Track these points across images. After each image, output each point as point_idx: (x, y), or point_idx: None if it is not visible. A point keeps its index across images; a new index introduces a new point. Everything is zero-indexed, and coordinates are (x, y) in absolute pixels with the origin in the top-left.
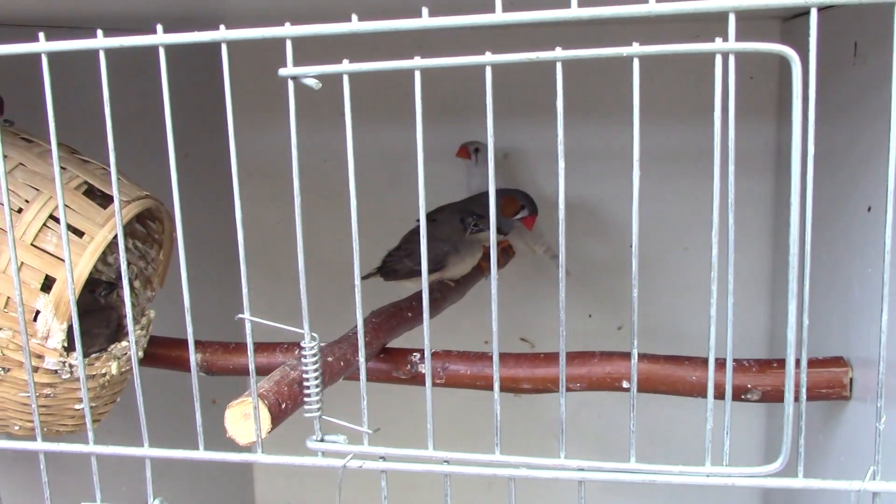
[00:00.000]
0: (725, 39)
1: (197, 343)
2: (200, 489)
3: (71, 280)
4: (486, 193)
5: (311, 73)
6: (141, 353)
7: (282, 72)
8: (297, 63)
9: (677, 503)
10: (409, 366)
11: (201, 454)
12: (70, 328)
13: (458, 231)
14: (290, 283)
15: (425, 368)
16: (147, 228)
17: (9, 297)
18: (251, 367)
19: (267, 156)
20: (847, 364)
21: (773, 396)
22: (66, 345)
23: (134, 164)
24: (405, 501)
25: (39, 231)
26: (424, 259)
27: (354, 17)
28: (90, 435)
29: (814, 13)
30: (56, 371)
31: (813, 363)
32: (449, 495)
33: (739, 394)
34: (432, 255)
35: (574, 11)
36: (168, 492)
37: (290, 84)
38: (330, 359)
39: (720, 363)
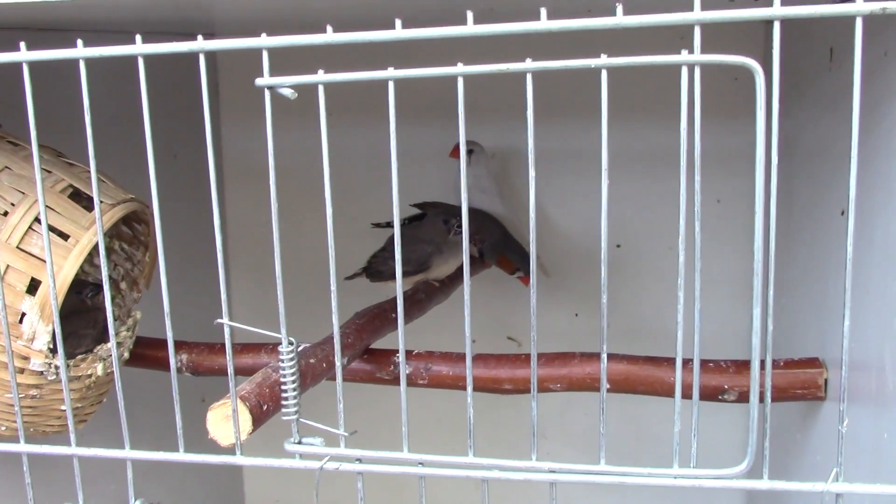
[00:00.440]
0: (691, 52)
1: (183, 344)
2: (190, 488)
3: (53, 285)
4: (480, 211)
5: (286, 84)
6: (127, 354)
7: (258, 81)
8: (279, 69)
9: (672, 502)
10: (392, 366)
11: (181, 456)
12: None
13: (442, 233)
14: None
15: (417, 369)
16: (133, 231)
17: None
18: (230, 370)
19: (254, 157)
20: (822, 365)
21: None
22: (51, 346)
23: (120, 165)
24: (389, 497)
25: (25, 234)
26: (399, 265)
27: (329, 28)
28: (72, 437)
29: (777, 26)
30: (42, 372)
31: (789, 364)
32: (424, 496)
33: (716, 394)
34: (416, 257)
35: (544, 24)
36: (157, 491)
37: (267, 94)
38: (312, 360)
39: (704, 365)
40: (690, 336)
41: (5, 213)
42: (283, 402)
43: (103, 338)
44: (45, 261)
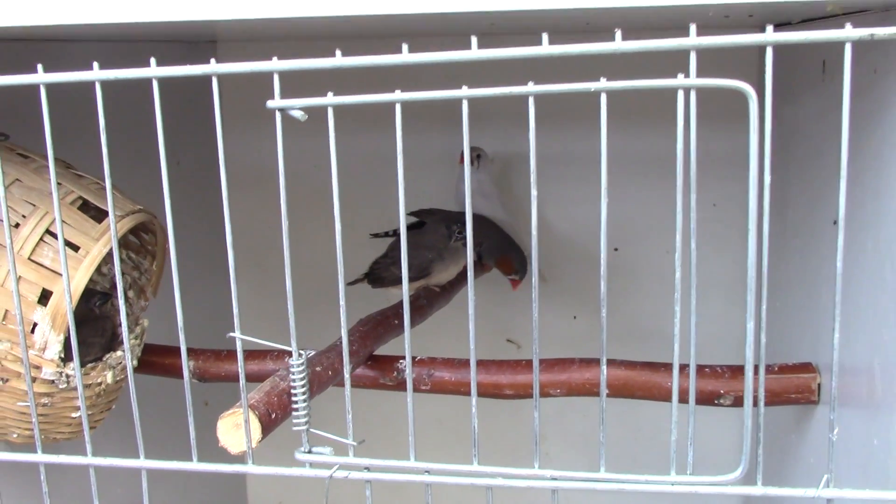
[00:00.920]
0: (687, 75)
1: (189, 351)
2: (194, 491)
3: (69, 296)
4: (479, 216)
5: (297, 106)
6: (136, 362)
7: (270, 104)
8: (286, 84)
9: None
10: (395, 372)
11: (195, 466)
12: (67, 339)
13: (443, 239)
14: (283, 289)
15: (421, 375)
16: (141, 240)
17: (7, 310)
18: (242, 382)
19: (256, 165)
20: (815, 370)
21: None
22: (62, 355)
23: (126, 173)
24: (393, 499)
25: (36, 245)
26: (405, 273)
27: (338, 52)
28: (88, 447)
29: (769, 51)
30: (53, 381)
31: (783, 369)
32: (430, 503)
33: (713, 399)
34: (418, 263)
35: (545, 49)
36: (162, 494)
37: (278, 116)
38: (318, 368)
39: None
40: (687, 341)
41: (17, 225)
42: (294, 413)
43: (112, 346)
44: (55, 272)
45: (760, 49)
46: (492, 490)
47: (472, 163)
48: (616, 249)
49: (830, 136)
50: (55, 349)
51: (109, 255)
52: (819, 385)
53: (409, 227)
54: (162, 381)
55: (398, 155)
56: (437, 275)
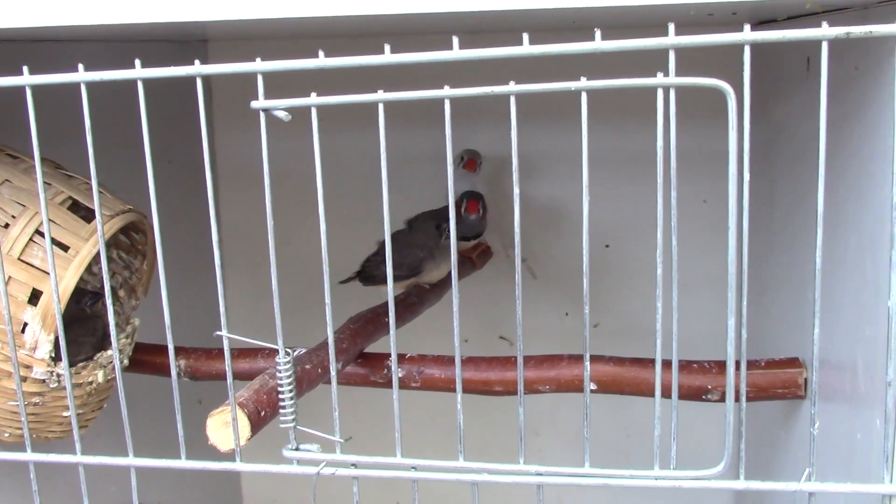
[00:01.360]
0: (667, 74)
1: (181, 349)
2: (188, 489)
3: (56, 296)
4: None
5: (281, 106)
6: (127, 361)
7: (254, 104)
8: (277, 83)
9: (661, 499)
10: (386, 370)
11: (183, 463)
12: (57, 338)
13: (434, 237)
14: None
15: (411, 373)
16: (131, 240)
17: None
18: (229, 380)
19: (247, 163)
20: (802, 365)
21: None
22: (53, 355)
23: (116, 173)
24: (384, 495)
25: (26, 246)
26: (390, 278)
27: (321, 52)
28: (77, 446)
29: (747, 50)
30: (44, 380)
31: (769, 364)
32: (417, 499)
33: (700, 394)
34: (409, 261)
35: (526, 49)
36: (155, 492)
37: (262, 116)
38: (308, 366)
39: (682, 366)
40: (670, 337)
41: (6, 226)
42: (282, 410)
43: (103, 345)
44: (45, 271)
45: (753, 49)
46: (477, 486)
47: (474, 169)
48: (607, 246)
49: (816, 134)
50: (46, 349)
51: (99, 254)
52: (806, 380)
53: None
54: (154, 380)
55: (381, 154)
56: (427, 273)
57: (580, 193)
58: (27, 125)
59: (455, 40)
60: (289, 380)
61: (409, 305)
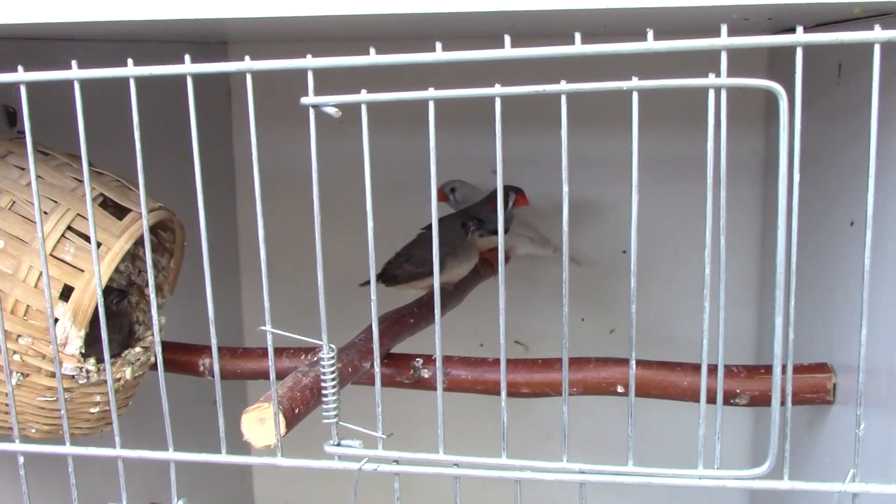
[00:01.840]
0: (718, 75)
1: (205, 348)
2: (200, 487)
3: (100, 290)
4: (480, 203)
5: (331, 102)
6: (153, 358)
7: (304, 100)
8: (298, 79)
9: (670, 498)
10: (412, 370)
11: (224, 458)
12: (87, 334)
13: (460, 235)
14: (292, 288)
15: (436, 374)
16: (159, 238)
17: (28, 306)
18: (272, 375)
19: (265, 163)
20: (830, 370)
21: (761, 401)
22: (83, 351)
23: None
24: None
25: (58, 242)
26: (437, 263)
27: (372, 50)
28: (117, 439)
29: (799, 52)
30: (73, 376)
31: (798, 369)
32: (459, 497)
33: (728, 398)
34: (430, 259)
35: (578, 48)
36: (168, 490)
37: (312, 112)
38: (339, 365)
39: (711, 369)
40: (712, 340)
41: None
42: (325, 406)
43: (129, 343)
44: (77, 268)
45: (771, 51)
46: (520, 483)
47: (448, 198)
48: (624, 252)
49: (847, 139)
50: (76, 345)
51: (128, 252)
52: (835, 385)
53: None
54: (172, 380)
55: (431, 152)
56: (449, 270)
57: (595, 199)
58: (61, 123)
59: (507, 39)
60: (332, 375)
61: (433, 307)
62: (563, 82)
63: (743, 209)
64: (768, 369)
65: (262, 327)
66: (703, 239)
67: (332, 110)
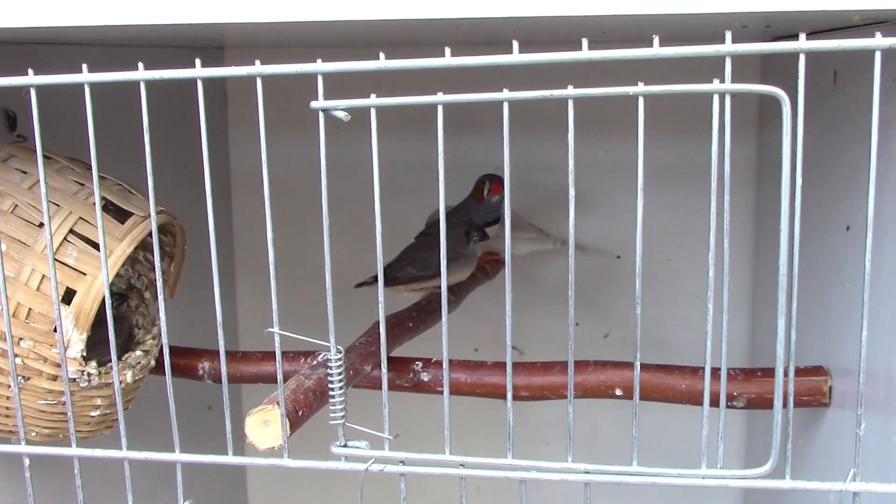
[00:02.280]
0: (722, 80)
1: (205, 352)
2: (195, 490)
3: (108, 290)
4: (469, 197)
5: (341, 107)
6: (154, 362)
7: (313, 104)
8: (295, 85)
9: (663, 500)
10: (411, 374)
11: (231, 459)
12: (89, 338)
13: (462, 242)
14: (287, 292)
15: (436, 377)
16: (159, 241)
17: (30, 309)
18: (279, 377)
19: (260, 168)
20: (826, 373)
21: (758, 403)
22: (84, 354)
23: (138, 175)
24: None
25: (60, 245)
26: (444, 261)
27: (382, 55)
28: (123, 441)
29: (802, 58)
30: (74, 379)
31: (794, 372)
32: (465, 497)
33: (727, 401)
34: (436, 261)
35: (585, 53)
36: (163, 492)
37: (321, 116)
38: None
39: (711, 372)
40: (714, 343)
41: (40, 225)
42: (332, 407)
43: (129, 346)
44: (79, 271)
45: (763, 60)
46: (525, 483)
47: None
48: (618, 257)
49: (842, 146)
50: (77, 348)
51: (128, 256)
52: (831, 388)
53: (422, 235)
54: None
55: (439, 154)
56: (451, 275)
57: (589, 205)
58: (60, 127)
59: (515, 43)
60: (340, 376)
61: (431, 311)
62: (570, 87)
63: (736, 215)
64: (765, 372)
65: (270, 329)
66: (697, 244)
67: (341, 114)
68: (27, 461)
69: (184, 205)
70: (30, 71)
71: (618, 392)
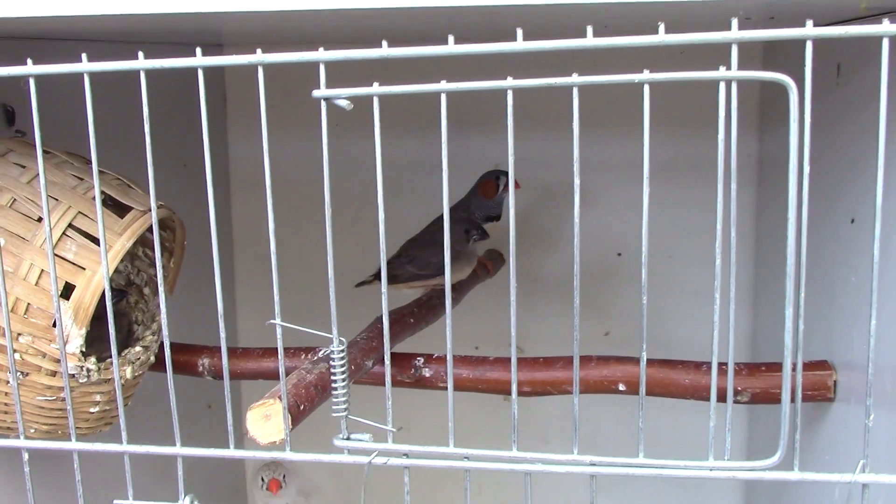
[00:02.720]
0: (728, 68)
1: (205, 348)
2: (194, 485)
3: (108, 284)
4: (471, 192)
5: (343, 95)
6: (153, 358)
7: (315, 93)
8: (292, 78)
9: (664, 498)
10: (413, 369)
11: (231, 452)
12: (88, 333)
13: (462, 241)
14: (286, 287)
15: (437, 372)
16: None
17: (29, 304)
18: (281, 369)
19: (260, 165)
20: (831, 367)
21: (762, 398)
22: (83, 350)
23: (137, 171)
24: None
25: (59, 240)
26: (448, 260)
27: (385, 43)
28: (124, 435)
29: (809, 45)
30: (74, 375)
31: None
32: (469, 489)
33: (732, 395)
34: (437, 260)
35: (590, 41)
36: (160, 488)
37: (323, 105)
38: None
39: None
40: (721, 338)
41: (39, 219)
42: (334, 400)
43: (128, 342)
44: (78, 265)
45: (765, 51)
46: (530, 476)
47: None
48: (619, 255)
49: (847, 138)
50: (76, 343)
51: (126, 251)
52: (835, 382)
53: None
54: (165, 379)
55: (443, 144)
56: (451, 273)
57: (590, 202)
58: (58, 122)
59: (519, 31)
60: (342, 369)
61: (432, 308)
62: (574, 75)
63: (737, 212)
64: (769, 367)
65: (271, 321)
66: (697, 242)
67: (343, 103)
68: (26, 455)
69: (183, 203)
70: (29, 60)
71: (621, 387)
